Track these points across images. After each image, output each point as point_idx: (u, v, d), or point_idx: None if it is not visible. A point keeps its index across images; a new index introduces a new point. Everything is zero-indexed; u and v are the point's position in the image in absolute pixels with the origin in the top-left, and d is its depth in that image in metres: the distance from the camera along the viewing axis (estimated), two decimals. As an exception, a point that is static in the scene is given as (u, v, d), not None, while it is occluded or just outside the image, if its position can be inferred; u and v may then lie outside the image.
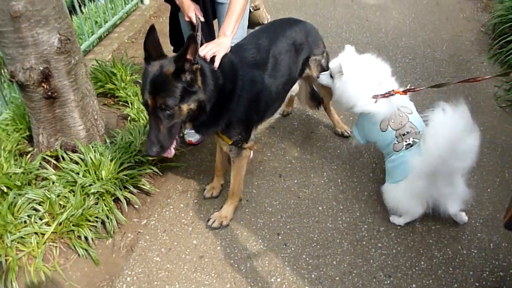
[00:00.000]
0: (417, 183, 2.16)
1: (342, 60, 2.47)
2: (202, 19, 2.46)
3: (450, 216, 2.37)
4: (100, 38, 4.61)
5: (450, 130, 1.98)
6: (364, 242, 2.33)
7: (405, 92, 2.37)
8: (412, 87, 2.43)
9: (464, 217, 2.36)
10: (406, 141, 2.27)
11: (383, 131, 2.36)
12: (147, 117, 3.01)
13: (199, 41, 2.29)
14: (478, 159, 2.73)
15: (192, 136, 3.09)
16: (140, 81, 3.38)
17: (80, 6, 4.22)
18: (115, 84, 3.39)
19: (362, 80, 2.41)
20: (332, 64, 2.54)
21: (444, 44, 4.22)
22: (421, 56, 4.00)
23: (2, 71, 3.51)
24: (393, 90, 2.35)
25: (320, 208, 2.55)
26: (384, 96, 2.35)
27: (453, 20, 4.73)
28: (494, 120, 3.15)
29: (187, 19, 2.50)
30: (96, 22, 4.56)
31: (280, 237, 2.39)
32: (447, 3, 5.18)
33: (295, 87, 2.75)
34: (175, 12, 2.78)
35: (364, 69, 2.44)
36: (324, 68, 2.69)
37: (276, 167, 2.87)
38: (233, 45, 2.32)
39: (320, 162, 2.89)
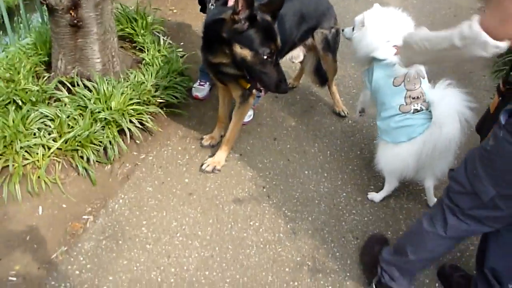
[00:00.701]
0: (420, 148, 2.22)
1: (366, 13, 2.49)
2: None
3: (423, 199, 2.58)
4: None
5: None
6: (340, 207, 2.53)
7: None
8: None
9: (434, 198, 2.54)
10: (414, 106, 2.28)
11: (395, 86, 2.35)
12: (160, 64, 3.18)
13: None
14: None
15: (199, 91, 3.26)
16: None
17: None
18: (134, 30, 3.55)
19: (383, 28, 2.41)
20: (357, 17, 2.57)
21: (451, 53, 4.39)
22: (427, 59, 4.16)
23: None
24: None
25: (306, 172, 2.75)
26: None
27: (466, 33, 4.89)
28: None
29: None
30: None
31: (264, 190, 2.59)
32: (464, 17, 5.23)
33: (297, 54, 2.93)
34: None
35: (386, 19, 2.44)
36: (330, 43, 2.87)
37: (272, 131, 3.06)
38: None
39: (313, 134, 3.08)
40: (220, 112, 2.82)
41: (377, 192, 2.59)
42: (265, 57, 2.11)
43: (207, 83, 3.29)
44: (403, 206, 2.57)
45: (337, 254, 2.25)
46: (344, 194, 2.62)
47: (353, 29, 2.60)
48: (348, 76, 3.78)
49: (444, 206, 1.75)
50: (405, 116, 2.30)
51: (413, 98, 2.30)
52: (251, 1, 1.99)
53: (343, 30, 2.74)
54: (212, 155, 2.76)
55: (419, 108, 2.29)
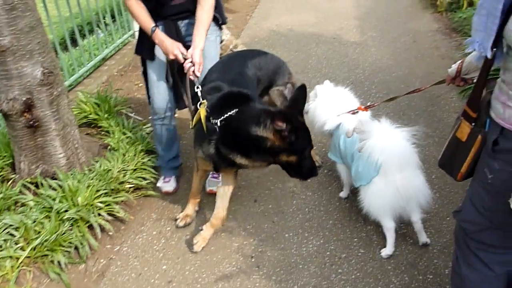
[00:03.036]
0: (390, 180, 2.29)
1: (318, 88, 2.80)
2: (189, 56, 2.49)
3: (409, 244, 2.50)
4: (92, 71, 4.80)
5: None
6: (325, 268, 2.42)
7: (366, 108, 2.67)
8: (372, 103, 2.77)
9: (425, 238, 2.48)
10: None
11: (349, 137, 2.54)
12: (126, 147, 3.14)
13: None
14: (440, 189, 2.89)
15: (167, 187, 3.05)
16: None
17: (71, 42, 4.41)
18: (98, 115, 3.54)
19: (332, 105, 2.72)
20: (311, 92, 2.86)
21: (417, 80, 4.42)
22: (394, 91, 4.16)
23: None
24: (357, 107, 2.68)
25: (286, 235, 2.66)
26: (348, 113, 2.66)
27: (428, 57, 4.96)
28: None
29: (172, 57, 2.50)
30: (84, 55, 4.76)
31: (253, 260, 2.49)
32: (423, 41, 5.42)
33: None
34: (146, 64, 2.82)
35: (335, 96, 2.78)
36: (287, 98, 2.86)
37: (252, 193, 3.00)
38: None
39: (290, 191, 3.01)
40: (194, 188, 2.73)
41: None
42: (306, 155, 2.13)
43: (172, 177, 3.08)
44: (389, 255, 2.48)
45: (329, 322, 2.14)
46: (328, 253, 2.52)
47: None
48: (318, 123, 3.76)
49: (474, 249, 1.68)
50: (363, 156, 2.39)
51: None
52: (290, 117, 1.98)
53: None
54: (190, 233, 2.67)
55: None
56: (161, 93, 2.77)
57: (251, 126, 2.03)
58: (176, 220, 2.78)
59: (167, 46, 2.51)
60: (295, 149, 2.07)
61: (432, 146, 3.39)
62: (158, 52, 2.68)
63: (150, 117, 2.96)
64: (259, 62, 2.77)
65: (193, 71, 2.46)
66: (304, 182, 3.08)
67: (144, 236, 2.71)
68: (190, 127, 2.41)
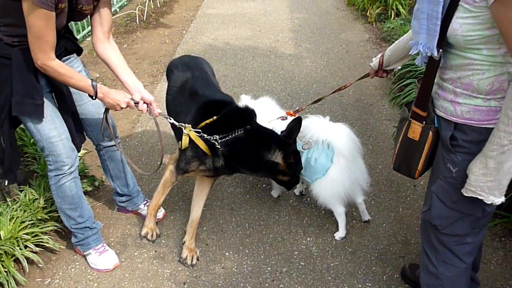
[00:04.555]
0: (342, 167, 2.47)
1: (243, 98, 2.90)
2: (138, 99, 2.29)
3: (347, 253, 2.52)
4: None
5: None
6: (266, 285, 2.40)
7: (295, 113, 2.77)
8: (300, 107, 2.94)
9: (368, 216, 2.78)
10: (310, 140, 2.55)
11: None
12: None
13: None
14: (375, 196, 2.96)
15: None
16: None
17: None
18: (23, 140, 3.33)
19: (263, 112, 2.73)
20: None
21: (350, 90, 4.53)
22: (329, 102, 4.26)
23: None
24: (285, 112, 2.81)
25: (226, 253, 2.61)
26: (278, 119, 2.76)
27: (360, 67, 5.12)
28: (391, 159, 3.39)
29: (124, 106, 2.19)
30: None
31: (186, 286, 2.41)
32: (355, 51, 5.60)
33: None
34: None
35: (261, 107, 2.77)
36: None
37: (187, 215, 2.89)
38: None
39: (229, 208, 2.97)
40: (160, 200, 2.65)
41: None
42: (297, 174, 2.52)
43: (103, 243, 2.65)
44: (329, 266, 2.49)
45: None
46: (269, 268, 2.50)
47: None
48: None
49: (448, 244, 1.78)
50: (313, 149, 2.53)
51: (305, 142, 2.60)
52: (294, 150, 2.41)
53: None
54: (125, 259, 2.55)
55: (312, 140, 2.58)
56: (65, 144, 2.29)
57: (265, 152, 2.32)
58: (145, 237, 2.70)
59: (115, 97, 2.17)
60: (294, 172, 2.43)
61: (367, 154, 3.48)
62: (48, 104, 2.24)
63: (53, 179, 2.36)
64: (209, 68, 2.90)
65: (154, 109, 2.31)
66: (242, 198, 3.06)
67: (77, 266, 2.57)
68: (181, 148, 2.38)
